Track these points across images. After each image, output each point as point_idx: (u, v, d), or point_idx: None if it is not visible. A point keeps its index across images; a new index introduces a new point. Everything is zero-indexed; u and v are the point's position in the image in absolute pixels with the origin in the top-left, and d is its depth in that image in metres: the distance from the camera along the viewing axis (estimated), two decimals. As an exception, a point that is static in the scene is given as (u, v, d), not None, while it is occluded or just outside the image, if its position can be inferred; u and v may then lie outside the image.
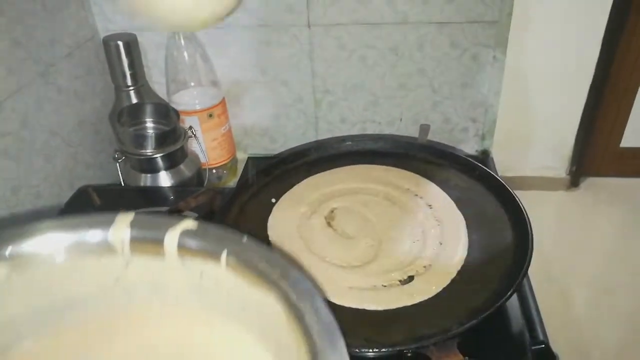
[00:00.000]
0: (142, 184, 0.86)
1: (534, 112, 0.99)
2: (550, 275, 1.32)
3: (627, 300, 1.26)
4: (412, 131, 0.99)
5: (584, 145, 1.11)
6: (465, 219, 0.67)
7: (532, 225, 0.62)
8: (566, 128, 1.03)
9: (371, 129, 1.00)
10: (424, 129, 0.84)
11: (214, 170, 0.97)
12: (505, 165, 1.03)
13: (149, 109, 0.89)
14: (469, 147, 1.01)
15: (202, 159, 0.93)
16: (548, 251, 1.23)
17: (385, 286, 0.59)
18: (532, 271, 0.73)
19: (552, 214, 1.38)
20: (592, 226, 1.17)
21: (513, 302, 0.63)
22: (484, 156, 1.00)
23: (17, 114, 0.76)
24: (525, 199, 0.68)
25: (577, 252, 1.21)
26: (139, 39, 0.90)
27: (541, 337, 0.61)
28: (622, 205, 1.13)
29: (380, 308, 0.57)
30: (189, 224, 0.40)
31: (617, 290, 1.25)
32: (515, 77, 0.94)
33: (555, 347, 0.72)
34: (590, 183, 1.32)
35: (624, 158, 1.22)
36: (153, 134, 0.85)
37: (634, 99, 1.02)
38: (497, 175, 0.72)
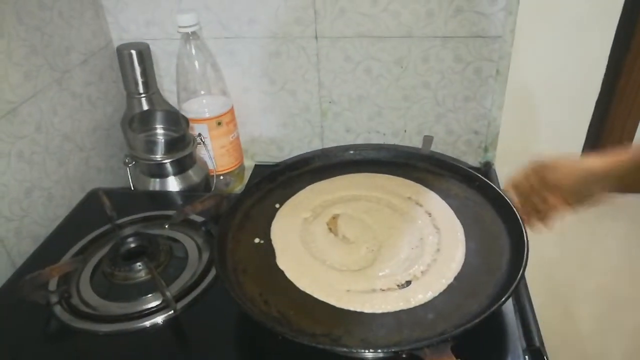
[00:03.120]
0: (151, 188, 0.89)
1: (540, 127, 1.01)
2: (554, 290, 1.32)
3: (632, 315, 1.26)
4: (416, 142, 1.01)
5: (590, 160, 1.11)
6: (464, 227, 0.68)
7: (528, 235, 0.64)
8: (572, 143, 1.04)
9: (376, 140, 1.02)
10: (428, 140, 0.86)
11: (221, 177, 0.99)
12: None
13: (159, 116, 0.92)
14: (472, 159, 1.02)
15: (210, 166, 0.96)
16: (552, 265, 1.24)
17: (383, 290, 0.60)
18: (535, 285, 0.74)
19: (556, 229, 1.38)
20: (596, 241, 1.17)
21: (509, 309, 0.65)
22: (487, 168, 1.01)
23: (33, 118, 0.79)
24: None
25: (581, 267, 1.21)
26: (152, 48, 0.93)
27: (537, 343, 0.62)
28: (626, 221, 1.13)
29: (377, 311, 0.58)
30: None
31: (621, 305, 1.25)
32: (520, 91, 0.95)
33: (556, 360, 0.72)
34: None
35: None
36: (163, 140, 0.88)
37: (640, 118, 1.03)
38: (496, 185, 0.73)
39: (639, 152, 0.61)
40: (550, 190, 0.65)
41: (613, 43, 0.91)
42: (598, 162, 0.63)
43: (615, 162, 0.62)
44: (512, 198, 0.68)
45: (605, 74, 0.95)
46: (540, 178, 0.66)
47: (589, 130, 1.01)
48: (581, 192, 0.64)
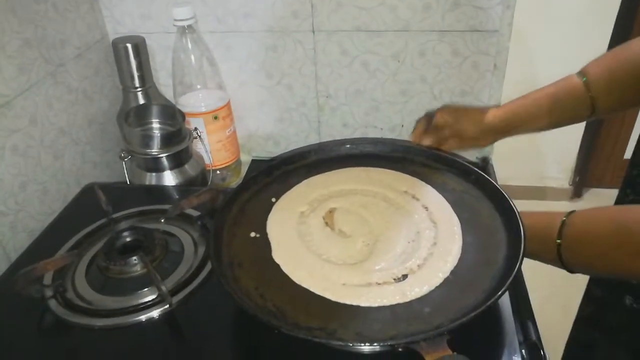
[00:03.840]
0: (147, 182, 0.89)
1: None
2: (553, 288, 1.32)
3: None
4: (413, 137, 1.01)
5: (587, 156, 1.12)
6: (460, 221, 0.68)
7: (524, 229, 0.63)
8: (570, 139, 1.04)
9: (373, 134, 1.02)
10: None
11: (217, 172, 0.99)
12: (508, 174, 1.03)
13: (155, 110, 0.91)
14: (470, 154, 1.02)
15: (207, 160, 0.95)
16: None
17: (379, 284, 0.60)
18: (534, 280, 0.74)
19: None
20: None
21: (506, 303, 0.64)
22: (484, 163, 1.01)
23: (27, 112, 0.78)
24: (528, 208, 0.69)
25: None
26: (148, 41, 0.93)
27: (533, 337, 0.62)
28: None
29: (374, 305, 0.58)
30: None
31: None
32: (517, 86, 0.95)
33: (554, 357, 0.72)
34: (594, 194, 1.32)
35: (627, 170, 1.21)
36: (159, 135, 0.87)
37: (638, 111, 1.03)
38: (493, 179, 0.73)
39: (516, 107, 0.78)
40: (453, 133, 0.82)
41: (611, 36, 0.91)
42: (492, 116, 0.79)
43: (504, 116, 0.79)
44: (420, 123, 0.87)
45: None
46: (450, 119, 0.82)
47: (587, 126, 1.01)
48: (477, 139, 0.82)
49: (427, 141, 0.83)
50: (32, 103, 0.79)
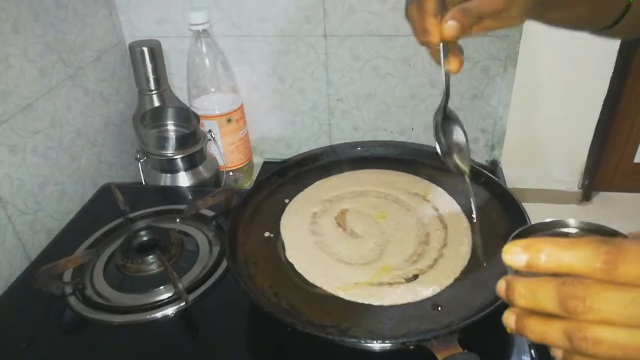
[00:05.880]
0: (162, 183, 0.90)
1: (547, 125, 1.01)
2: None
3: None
4: (423, 140, 1.02)
5: (597, 159, 1.11)
6: (470, 223, 0.69)
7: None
8: (579, 142, 1.04)
9: (383, 138, 1.03)
10: None
11: (230, 173, 1.00)
12: (517, 178, 1.04)
13: (170, 112, 0.93)
14: (479, 157, 1.03)
15: (220, 162, 0.97)
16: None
17: (391, 284, 0.61)
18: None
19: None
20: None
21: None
22: (493, 166, 1.02)
23: (47, 114, 0.80)
24: (537, 211, 0.70)
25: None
26: (163, 45, 0.95)
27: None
28: (635, 221, 1.13)
29: (385, 304, 0.59)
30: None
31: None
32: (527, 90, 0.96)
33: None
34: (603, 197, 1.32)
35: (637, 173, 1.22)
36: (174, 136, 0.89)
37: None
38: (502, 182, 0.74)
39: None
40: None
41: (622, 40, 0.91)
42: None
43: None
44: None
45: (614, 72, 0.95)
46: None
47: (596, 129, 1.01)
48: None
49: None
50: (52, 105, 0.81)
